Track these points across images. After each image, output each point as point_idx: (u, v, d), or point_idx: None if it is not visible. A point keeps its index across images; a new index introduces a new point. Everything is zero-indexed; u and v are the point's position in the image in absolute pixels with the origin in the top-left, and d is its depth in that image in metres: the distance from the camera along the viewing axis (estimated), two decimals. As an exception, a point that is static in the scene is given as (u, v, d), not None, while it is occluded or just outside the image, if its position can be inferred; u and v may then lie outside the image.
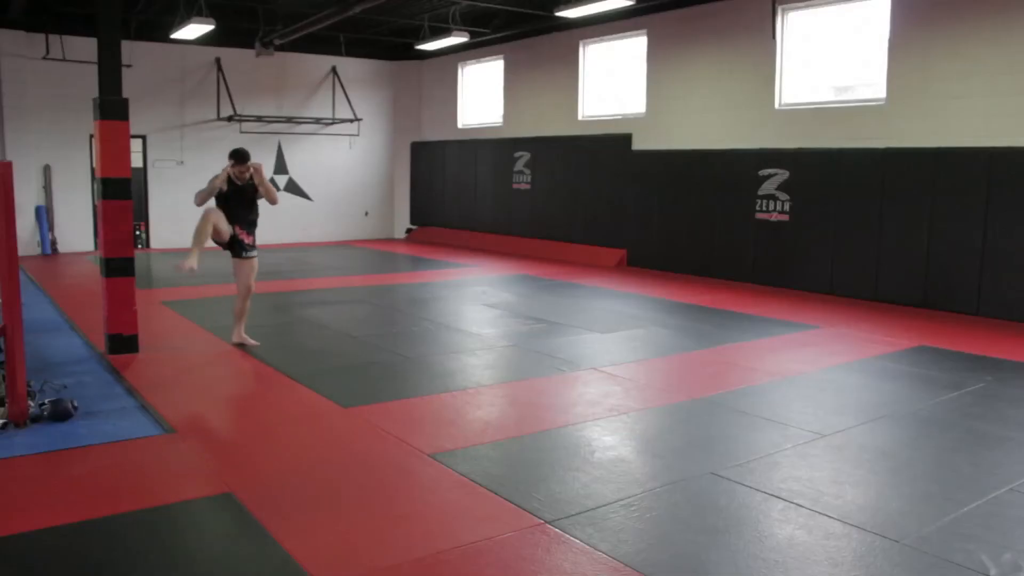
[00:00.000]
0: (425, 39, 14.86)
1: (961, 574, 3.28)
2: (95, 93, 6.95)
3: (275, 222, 17.23)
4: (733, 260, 11.97)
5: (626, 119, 13.84)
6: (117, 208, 6.85)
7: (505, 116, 16.57)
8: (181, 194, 16.11)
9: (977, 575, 3.27)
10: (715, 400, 5.77)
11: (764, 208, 11.46)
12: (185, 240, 15.79)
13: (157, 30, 14.72)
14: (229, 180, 7.03)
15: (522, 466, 4.47)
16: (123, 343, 6.92)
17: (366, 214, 18.75)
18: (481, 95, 17.54)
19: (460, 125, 17.93)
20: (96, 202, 7.67)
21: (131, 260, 7.00)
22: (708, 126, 12.39)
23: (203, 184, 7.09)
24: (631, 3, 11.37)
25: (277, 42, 14.93)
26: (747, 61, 11.78)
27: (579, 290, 11.07)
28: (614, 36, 14.04)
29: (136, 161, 14.86)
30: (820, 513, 3.84)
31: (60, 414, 5.07)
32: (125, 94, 7.00)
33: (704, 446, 4.84)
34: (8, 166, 5.04)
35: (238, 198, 7.11)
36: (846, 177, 10.45)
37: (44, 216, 14.83)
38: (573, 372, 6.54)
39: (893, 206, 9.97)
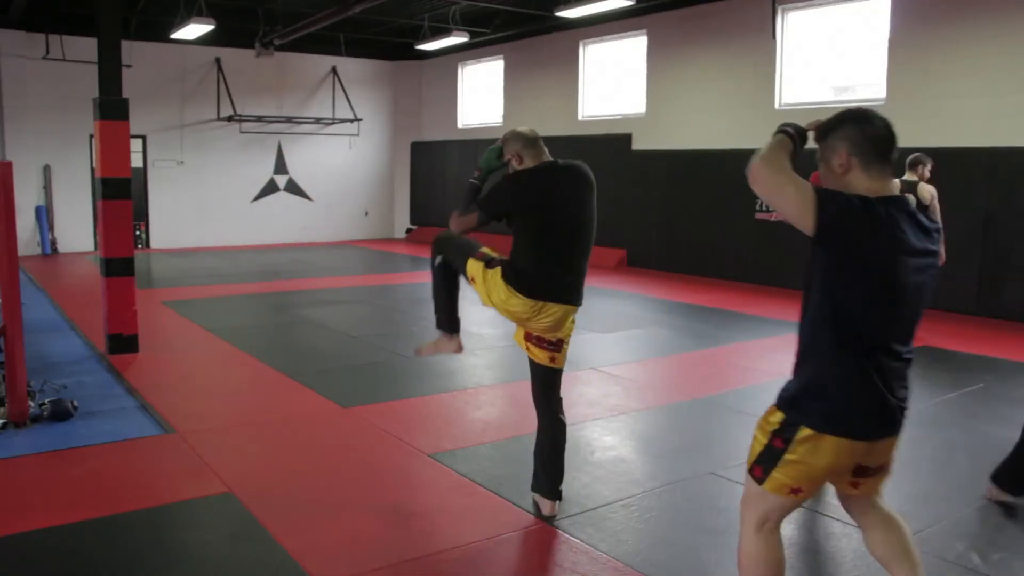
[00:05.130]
0: (425, 39, 14.86)
1: (960, 574, 3.28)
2: (95, 93, 6.94)
3: (275, 222, 17.30)
4: (733, 260, 11.96)
5: (626, 119, 13.84)
6: (117, 208, 6.85)
7: (505, 116, 16.55)
8: (181, 194, 16.16)
9: (976, 575, 3.27)
10: (715, 400, 5.77)
11: (764, 208, 11.46)
12: (184, 240, 16.06)
13: (157, 30, 14.71)
14: None
15: (522, 466, 4.45)
16: (123, 343, 6.91)
17: (366, 214, 18.75)
18: (481, 95, 17.53)
19: (460, 125, 17.92)
20: (96, 202, 7.66)
21: (131, 260, 7.00)
22: (708, 126, 12.39)
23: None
24: (631, 3, 11.37)
25: (277, 42, 14.93)
26: (747, 61, 11.77)
27: (579, 290, 11.04)
28: (614, 36, 14.03)
29: (136, 161, 14.86)
30: (820, 513, 3.84)
31: (60, 414, 5.07)
32: (125, 94, 6.99)
33: (704, 446, 4.84)
34: (8, 166, 5.04)
35: None
36: (846, 177, 10.43)
37: (44, 216, 14.82)
38: (573, 372, 6.52)
39: (893, 206, 9.96)
